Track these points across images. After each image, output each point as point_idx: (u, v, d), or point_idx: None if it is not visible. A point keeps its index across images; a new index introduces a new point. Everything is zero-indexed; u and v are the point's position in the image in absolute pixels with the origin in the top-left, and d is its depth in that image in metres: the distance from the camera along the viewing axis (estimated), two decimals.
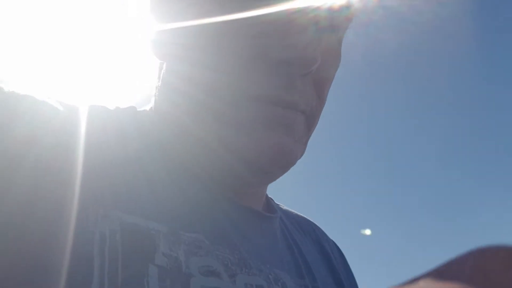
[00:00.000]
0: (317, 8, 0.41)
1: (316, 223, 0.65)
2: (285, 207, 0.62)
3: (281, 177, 0.46)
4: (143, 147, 0.44)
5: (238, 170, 0.42)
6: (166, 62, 0.47)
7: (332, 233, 0.67)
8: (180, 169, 0.45)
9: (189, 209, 0.42)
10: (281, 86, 0.40)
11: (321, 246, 0.60)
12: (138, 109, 0.51)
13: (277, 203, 0.61)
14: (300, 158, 0.45)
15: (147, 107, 0.51)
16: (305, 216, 0.65)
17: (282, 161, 0.41)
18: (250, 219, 0.47)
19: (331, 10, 0.42)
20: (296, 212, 0.64)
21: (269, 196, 0.59)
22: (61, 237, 0.33)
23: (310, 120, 0.44)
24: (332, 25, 0.43)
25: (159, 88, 0.48)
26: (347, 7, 0.44)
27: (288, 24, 0.40)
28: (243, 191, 0.47)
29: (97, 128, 0.42)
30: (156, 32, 0.46)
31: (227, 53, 0.40)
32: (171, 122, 0.46)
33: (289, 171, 0.45)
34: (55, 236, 0.32)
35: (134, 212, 0.37)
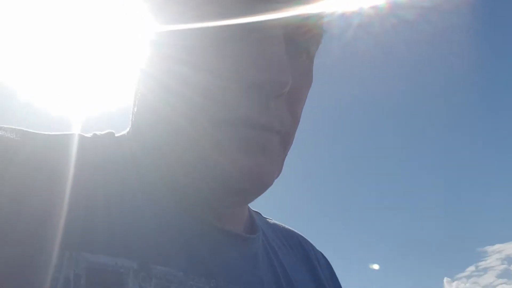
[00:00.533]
0: (289, 20, 0.41)
1: (303, 236, 0.65)
2: (273, 221, 0.62)
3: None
4: (117, 177, 0.44)
5: (216, 191, 0.43)
6: (144, 84, 0.47)
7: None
8: (157, 196, 0.45)
9: (164, 239, 0.41)
10: (255, 108, 0.40)
11: (308, 259, 0.61)
12: (116, 135, 0.51)
13: (265, 217, 0.61)
14: (277, 177, 0.45)
15: (125, 132, 0.52)
16: (293, 230, 0.65)
17: (259, 182, 0.42)
18: (228, 243, 0.47)
19: (301, 22, 0.42)
20: (283, 225, 0.65)
21: (257, 211, 0.59)
22: (28, 284, 0.33)
23: (286, 140, 0.45)
24: (302, 40, 0.44)
25: (135, 113, 0.49)
26: (316, 17, 0.44)
27: (261, 42, 0.40)
28: (222, 213, 0.47)
29: (68, 163, 0.42)
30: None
31: (205, 71, 0.41)
32: (150, 144, 0.46)
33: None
34: (23, 283, 0.33)
35: (103, 250, 0.37)
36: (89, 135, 0.49)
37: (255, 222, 0.55)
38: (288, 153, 0.47)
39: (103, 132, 0.51)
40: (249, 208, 0.56)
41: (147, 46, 0.44)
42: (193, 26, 0.40)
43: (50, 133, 0.46)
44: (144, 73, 0.47)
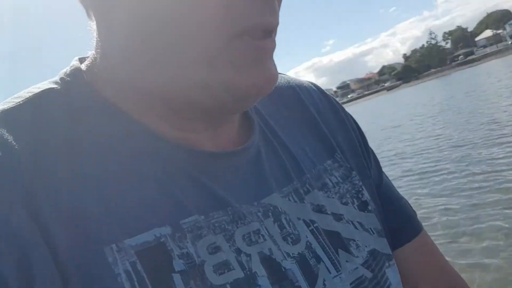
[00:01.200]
0: None
1: (306, 85, 0.64)
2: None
3: None
4: (104, 135, 0.41)
5: (224, 101, 0.41)
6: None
7: None
8: (143, 138, 0.42)
9: (174, 196, 0.41)
10: (266, 11, 0.39)
11: (309, 118, 0.59)
12: (83, 70, 0.45)
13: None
14: None
15: (89, 63, 0.45)
16: (293, 81, 0.63)
17: (270, 88, 0.42)
18: (225, 164, 0.46)
19: None
20: (285, 79, 0.63)
21: None
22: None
23: None
24: None
25: (108, 35, 0.42)
26: None
27: None
28: (221, 121, 0.47)
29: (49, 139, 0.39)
30: None
31: None
32: (140, 77, 0.41)
33: None
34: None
35: (137, 229, 0.38)
36: (56, 84, 0.43)
37: (248, 115, 0.53)
38: None
39: (68, 72, 0.45)
40: None
41: None
42: None
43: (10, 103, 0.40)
44: None
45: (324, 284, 0.45)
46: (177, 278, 0.37)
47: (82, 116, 0.41)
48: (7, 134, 0.37)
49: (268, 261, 0.42)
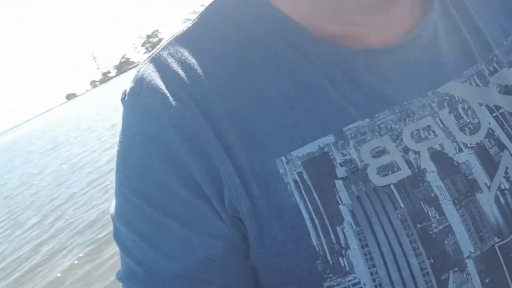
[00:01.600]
0: None
1: None
2: None
3: None
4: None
5: None
6: None
7: None
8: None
9: (336, 102, 0.41)
10: None
11: None
12: None
13: None
14: None
15: None
16: None
17: None
18: (390, 59, 0.43)
19: None
20: None
21: None
22: (271, 195, 0.40)
23: None
24: None
25: None
26: None
27: None
28: (387, 4, 0.43)
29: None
30: None
31: None
32: None
33: None
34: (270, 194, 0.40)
35: (303, 141, 0.40)
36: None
37: None
38: None
39: None
40: None
41: None
42: None
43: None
44: None
45: (507, 172, 0.42)
46: (339, 184, 0.40)
47: (250, 33, 0.44)
48: (190, 57, 0.42)
49: (439, 156, 0.41)
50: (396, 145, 0.40)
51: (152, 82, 0.41)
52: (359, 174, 0.40)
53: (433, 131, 0.41)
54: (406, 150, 0.40)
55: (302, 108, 0.41)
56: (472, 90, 0.44)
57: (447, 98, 0.43)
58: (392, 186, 0.39)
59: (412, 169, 0.40)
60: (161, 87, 0.41)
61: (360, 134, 0.41)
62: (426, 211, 0.39)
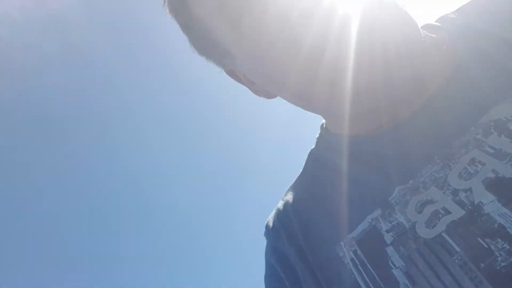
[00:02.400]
0: None
1: None
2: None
3: None
4: None
5: None
6: None
7: None
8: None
9: (377, 179, 0.47)
10: None
11: None
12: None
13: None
14: None
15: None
16: None
17: None
18: (425, 112, 0.48)
19: None
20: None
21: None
22: (335, 275, 0.48)
23: None
24: None
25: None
26: None
27: None
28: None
29: None
30: None
31: None
32: None
33: None
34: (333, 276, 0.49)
35: (356, 223, 0.47)
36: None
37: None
38: None
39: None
40: None
41: None
42: None
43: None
44: None
45: None
46: (390, 250, 0.43)
47: (321, 158, 0.59)
48: (289, 195, 0.62)
49: (496, 183, 0.38)
50: (444, 192, 0.41)
51: (270, 222, 0.63)
52: (408, 234, 0.41)
53: (480, 162, 0.40)
54: (455, 192, 0.40)
55: (352, 195, 0.48)
56: None
57: (492, 124, 0.42)
58: (443, 234, 0.39)
59: (466, 208, 0.39)
60: (269, 223, 0.63)
61: (404, 196, 0.43)
62: (487, 246, 0.36)
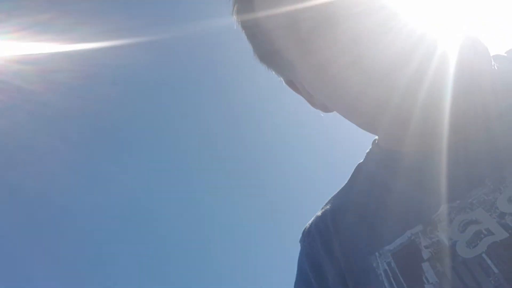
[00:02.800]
0: None
1: None
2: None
3: None
4: None
5: None
6: None
7: None
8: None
9: (418, 197, 0.48)
10: None
11: None
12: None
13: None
14: None
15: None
16: None
17: None
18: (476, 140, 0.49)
19: None
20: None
21: None
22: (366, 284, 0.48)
23: None
24: None
25: None
26: None
27: None
28: None
29: None
30: None
31: None
32: None
33: None
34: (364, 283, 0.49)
35: (394, 236, 0.47)
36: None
37: None
38: None
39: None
40: None
41: None
42: None
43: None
44: None
45: None
46: (425, 265, 0.43)
47: (367, 170, 0.60)
48: (329, 204, 0.63)
49: None
50: (490, 214, 0.41)
51: (306, 229, 0.64)
52: (447, 252, 0.41)
53: None
54: (502, 215, 0.40)
55: (395, 210, 0.49)
56: None
57: None
58: (483, 255, 0.39)
59: (510, 231, 0.39)
60: (307, 230, 0.63)
61: (449, 215, 0.44)
62: None
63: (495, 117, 0.48)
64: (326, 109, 0.59)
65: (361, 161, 0.64)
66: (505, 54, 0.56)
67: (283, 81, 0.61)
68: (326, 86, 0.51)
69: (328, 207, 0.62)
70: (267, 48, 0.56)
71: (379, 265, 0.47)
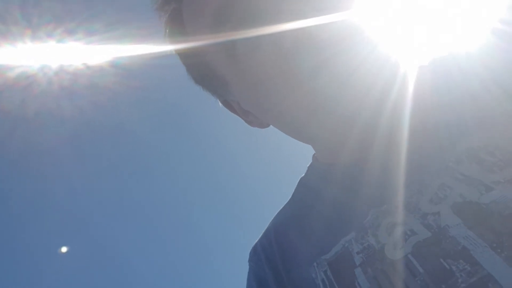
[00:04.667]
0: None
1: None
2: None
3: None
4: None
5: None
6: None
7: None
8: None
9: (352, 204, 0.49)
10: None
11: None
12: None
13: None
14: None
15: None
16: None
17: None
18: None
19: None
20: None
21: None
22: None
23: None
24: None
25: None
26: None
27: None
28: None
29: None
30: None
31: None
32: None
33: None
34: None
35: (330, 245, 0.49)
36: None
37: None
38: None
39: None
40: None
41: None
42: None
43: None
44: None
45: None
46: (358, 271, 0.44)
47: (309, 185, 0.62)
48: (273, 223, 0.64)
49: (463, 207, 0.39)
50: (414, 215, 0.42)
51: (253, 248, 0.65)
52: (377, 255, 0.42)
53: (448, 187, 0.41)
54: (424, 216, 0.41)
55: (331, 219, 0.51)
56: (497, 133, 0.43)
57: (465, 153, 0.43)
58: (409, 256, 0.40)
59: (432, 230, 0.40)
60: (253, 249, 0.64)
61: (377, 219, 0.45)
62: (449, 268, 0.37)
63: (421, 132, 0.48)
64: (262, 125, 0.59)
65: (303, 175, 0.65)
66: (428, 64, 0.55)
67: (219, 102, 0.62)
68: (261, 102, 0.51)
69: (272, 223, 0.64)
70: (201, 69, 0.56)
71: (317, 275, 0.48)
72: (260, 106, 0.53)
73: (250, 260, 0.64)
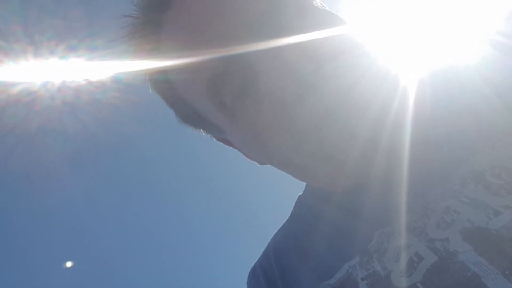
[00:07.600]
0: None
1: None
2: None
3: None
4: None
5: None
6: None
7: None
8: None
9: (355, 227, 0.48)
10: None
11: None
12: None
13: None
14: None
15: None
16: None
17: None
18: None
19: None
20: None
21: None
22: None
23: None
24: None
25: None
26: None
27: None
28: None
29: None
30: None
31: None
32: None
33: None
34: None
35: (334, 270, 0.47)
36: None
37: None
38: None
39: None
40: None
41: None
42: None
43: None
44: None
45: None
46: None
47: (310, 206, 0.60)
48: (273, 240, 0.64)
49: (472, 233, 0.38)
50: (420, 239, 0.41)
51: (252, 270, 0.65)
52: (382, 282, 0.41)
53: (455, 210, 0.40)
54: (431, 241, 0.40)
55: (334, 242, 0.49)
56: (502, 154, 0.41)
57: (470, 174, 0.42)
58: (418, 284, 0.39)
59: (439, 254, 0.38)
60: (252, 271, 0.64)
61: (383, 244, 0.43)
62: None
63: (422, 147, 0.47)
64: (261, 162, 0.59)
65: (301, 193, 0.64)
66: (427, 77, 0.54)
67: (214, 138, 0.61)
68: (256, 149, 0.51)
69: (272, 242, 0.63)
70: (190, 114, 0.55)
71: None
72: (259, 155, 0.54)
73: (249, 283, 0.63)
